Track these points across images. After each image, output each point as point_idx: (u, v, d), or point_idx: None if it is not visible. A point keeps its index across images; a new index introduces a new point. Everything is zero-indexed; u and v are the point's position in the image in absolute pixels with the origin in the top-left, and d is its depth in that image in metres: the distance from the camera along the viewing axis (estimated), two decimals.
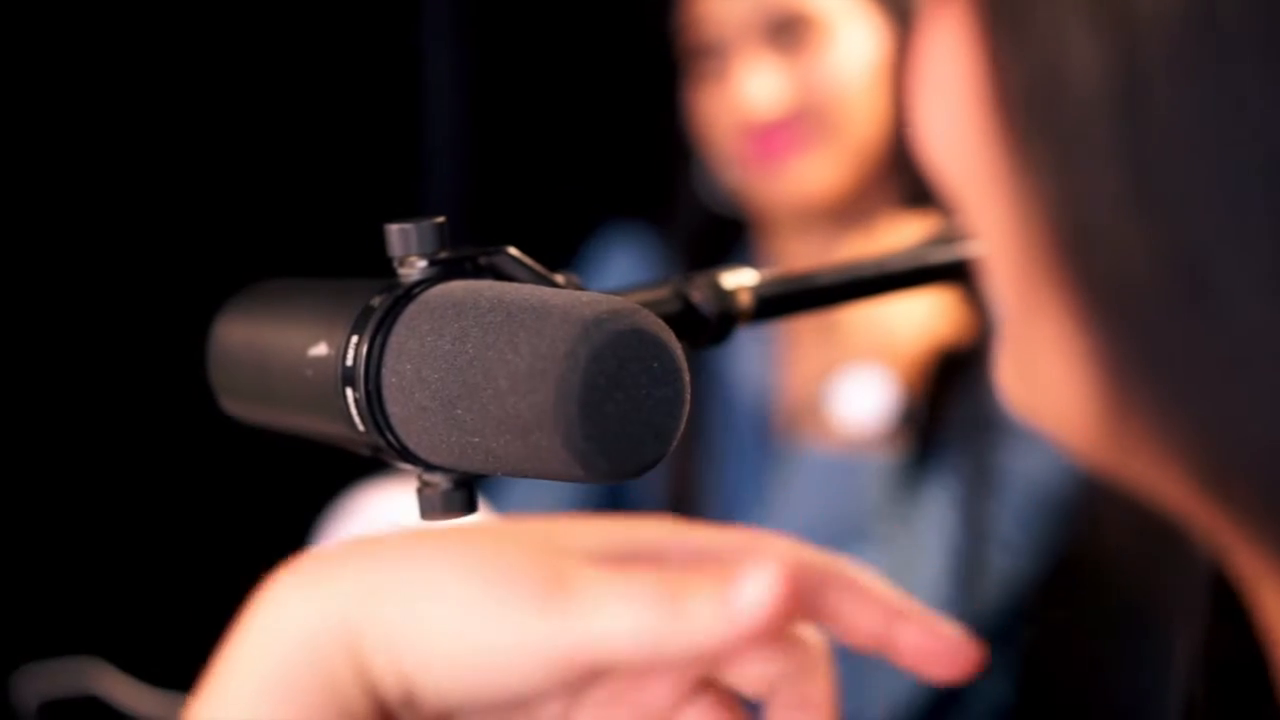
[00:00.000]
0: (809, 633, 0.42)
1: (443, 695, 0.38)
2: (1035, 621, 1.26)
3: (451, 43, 1.81)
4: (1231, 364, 0.28)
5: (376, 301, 0.44)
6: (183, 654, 0.73)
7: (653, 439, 0.40)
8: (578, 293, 0.42)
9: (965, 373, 1.22)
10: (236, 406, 0.52)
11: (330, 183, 1.69)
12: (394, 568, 0.39)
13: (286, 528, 1.19)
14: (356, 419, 0.44)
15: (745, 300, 0.52)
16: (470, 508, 0.47)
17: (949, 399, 1.23)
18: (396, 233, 0.45)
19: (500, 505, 1.32)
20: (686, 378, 0.41)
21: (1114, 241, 0.29)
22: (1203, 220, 0.28)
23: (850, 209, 1.26)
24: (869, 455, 1.19)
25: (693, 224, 1.36)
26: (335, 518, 1.21)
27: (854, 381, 1.19)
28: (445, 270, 0.45)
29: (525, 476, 0.42)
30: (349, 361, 0.44)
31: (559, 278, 0.48)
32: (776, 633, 0.39)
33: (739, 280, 0.52)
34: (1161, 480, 0.32)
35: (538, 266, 0.47)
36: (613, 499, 1.36)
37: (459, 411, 0.41)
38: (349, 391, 0.44)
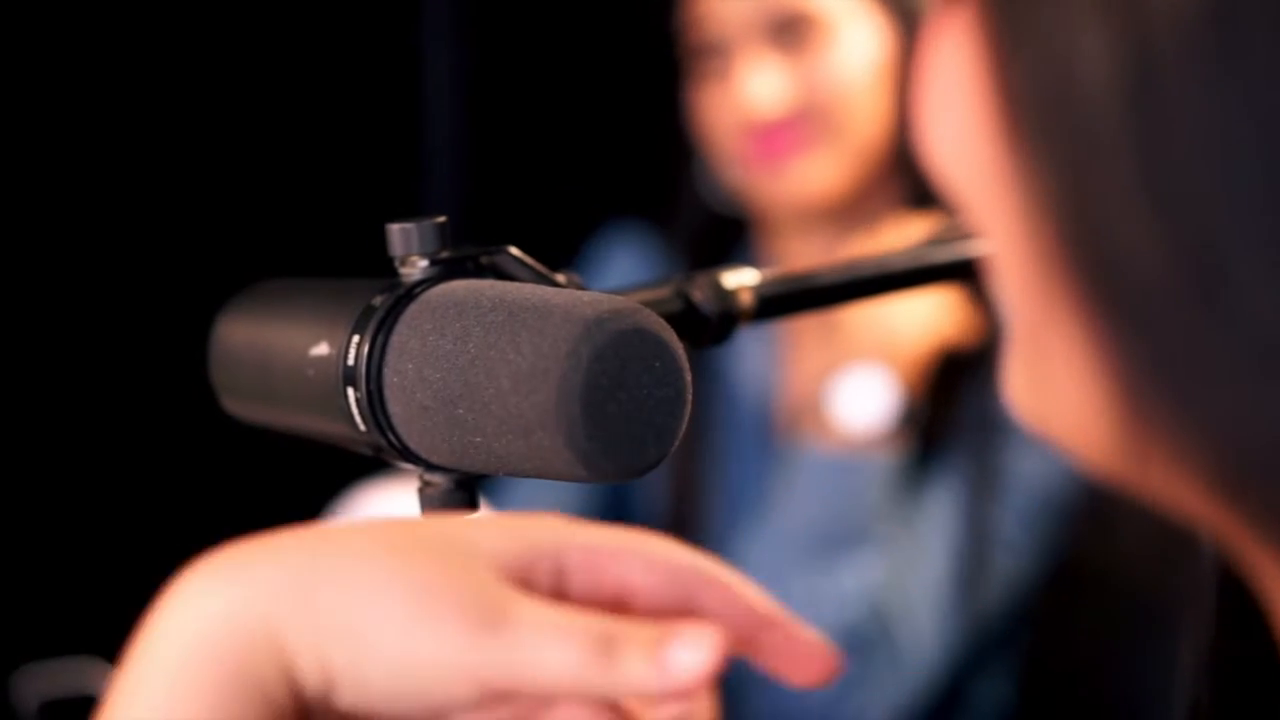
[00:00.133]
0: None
1: (367, 698, 0.38)
2: (1037, 623, 1.26)
3: (451, 42, 1.81)
4: (1249, 362, 0.28)
5: (378, 301, 0.44)
6: None
7: (654, 438, 0.40)
8: (579, 292, 0.42)
9: (968, 373, 1.22)
10: (238, 406, 0.51)
11: (331, 183, 1.69)
12: (329, 566, 0.39)
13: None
14: (358, 418, 0.44)
15: (746, 300, 0.52)
16: (471, 507, 0.47)
17: (951, 399, 1.23)
18: (398, 232, 0.45)
19: (501, 505, 1.31)
20: (688, 377, 0.41)
21: (1126, 242, 0.29)
22: (1217, 217, 0.28)
23: (852, 209, 1.26)
24: (870, 455, 1.19)
25: (694, 224, 1.36)
26: (336, 518, 1.21)
27: (856, 381, 1.19)
28: (447, 270, 0.45)
29: (527, 476, 0.42)
30: (350, 361, 0.44)
31: (560, 277, 0.48)
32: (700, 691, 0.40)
33: (740, 280, 0.52)
34: (1178, 487, 0.32)
35: (539, 266, 0.47)
36: (614, 498, 1.36)
37: (460, 411, 0.41)
38: (350, 391, 0.44)
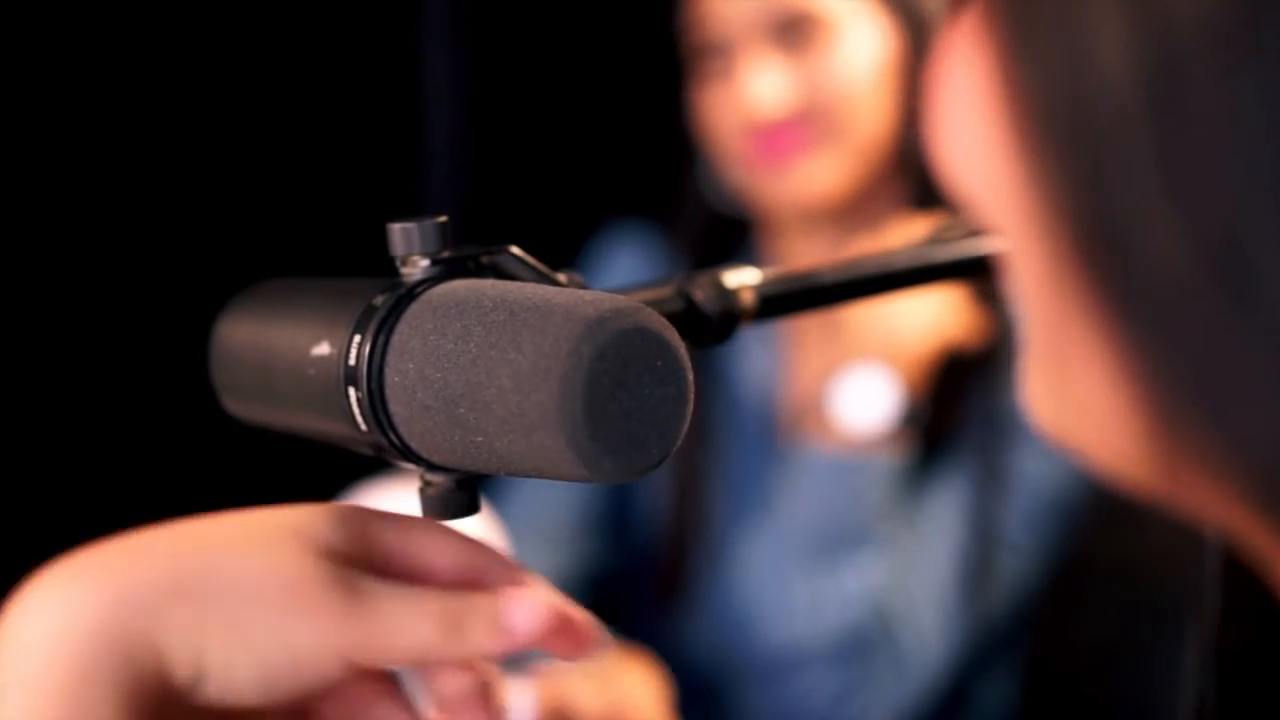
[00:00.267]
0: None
1: (235, 686, 0.42)
2: (1041, 624, 1.26)
3: (451, 44, 1.81)
4: (1277, 364, 0.27)
5: (379, 301, 0.44)
6: None
7: (656, 438, 0.40)
8: (581, 291, 0.42)
9: (971, 372, 1.22)
10: (239, 406, 0.51)
11: (331, 183, 1.69)
12: (201, 564, 0.42)
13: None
14: (359, 418, 0.44)
15: (748, 299, 0.52)
16: (473, 507, 0.47)
17: (954, 399, 1.22)
18: (399, 232, 0.45)
19: (503, 505, 1.31)
20: (690, 377, 0.41)
21: (1147, 242, 0.28)
22: (1240, 213, 0.27)
23: (855, 209, 1.26)
24: (873, 455, 1.19)
25: (697, 223, 1.36)
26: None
27: (858, 381, 1.19)
28: (448, 269, 0.45)
29: (528, 476, 0.42)
30: (352, 361, 0.44)
31: (561, 276, 0.47)
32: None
33: (742, 279, 0.52)
34: (1207, 496, 0.31)
35: (540, 265, 0.47)
36: (616, 498, 1.36)
37: (462, 411, 0.41)
38: (352, 391, 0.44)
